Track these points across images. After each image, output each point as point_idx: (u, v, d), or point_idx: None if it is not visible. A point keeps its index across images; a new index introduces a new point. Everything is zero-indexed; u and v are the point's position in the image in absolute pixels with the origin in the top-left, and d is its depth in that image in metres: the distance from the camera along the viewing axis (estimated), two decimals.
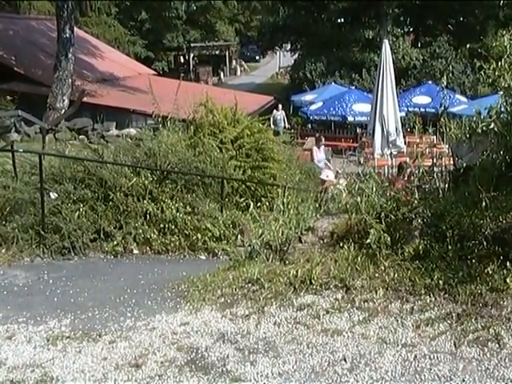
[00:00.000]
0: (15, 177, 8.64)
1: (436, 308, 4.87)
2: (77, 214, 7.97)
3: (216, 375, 4.21)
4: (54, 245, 7.69)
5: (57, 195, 8.25)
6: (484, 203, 5.36)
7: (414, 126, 23.64)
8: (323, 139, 17.90)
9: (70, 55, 19.25)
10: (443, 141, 18.29)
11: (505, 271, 5.02)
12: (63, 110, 19.02)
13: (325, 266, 5.62)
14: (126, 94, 23.23)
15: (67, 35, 19.12)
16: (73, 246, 7.71)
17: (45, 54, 23.22)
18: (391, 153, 17.08)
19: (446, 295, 4.98)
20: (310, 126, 30.17)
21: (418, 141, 21.50)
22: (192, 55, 60.41)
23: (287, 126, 26.05)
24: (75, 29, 20.91)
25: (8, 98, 19.42)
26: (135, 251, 7.98)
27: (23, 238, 7.74)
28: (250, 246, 6.98)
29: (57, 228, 7.79)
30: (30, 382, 4.19)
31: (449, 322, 4.67)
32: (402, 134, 17.42)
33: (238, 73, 66.66)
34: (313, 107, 28.23)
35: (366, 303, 5.06)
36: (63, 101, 19.19)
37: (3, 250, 7.61)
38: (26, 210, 8.07)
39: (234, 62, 68.09)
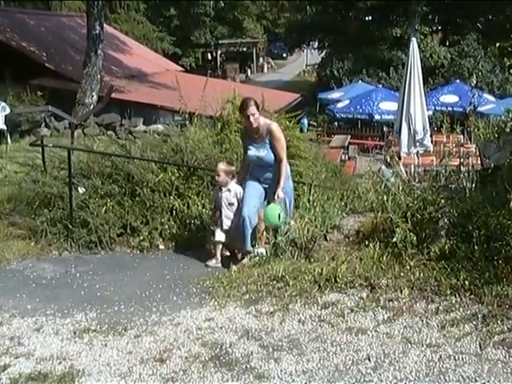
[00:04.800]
0: (45, 171, 8.74)
1: (461, 309, 4.84)
2: (104, 208, 8.04)
3: (240, 371, 4.23)
4: (82, 239, 7.76)
5: (85, 190, 8.32)
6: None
7: (441, 125, 23.46)
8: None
9: (99, 51, 19.39)
10: (471, 140, 18.18)
11: None
12: (92, 106, 19.16)
13: (350, 265, 5.62)
14: (153, 90, 23.35)
15: (97, 32, 19.26)
16: (100, 240, 7.77)
17: (75, 50, 23.44)
18: (418, 152, 16.96)
19: (472, 296, 4.95)
20: (336, 124, 30.09)
21: (445, 140, 21.38)
22: (219, 52, 60.58)
23: None
24: (104, 25, 21.05)
25: (39, 93, 19.65)
26: (161, 246, 8.02)
27: (51, 231, 7.83)
28: (275, 243, 7.00)
29: (84, 222, 7.86)
30: (57, 374, 4.24)
31: (474, 323, 4.64)
32: (429, 133, 17.30)
33: (265, 70, 66.66)
34: (339, 105, 28.18)
35: (390, 302, 5.05)
36: (92, 96, 19.34)
37: (32, 244, 7.71)
38: (55, 204, 8.16)
39: (261, 59, 68.11)
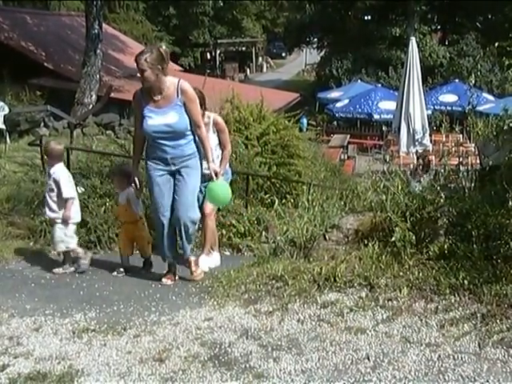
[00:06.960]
0: (43, 171, 8.75)
1: (460, 308, 4.84)
2: (103, 208, 8.05)
3: (239, 371, 4.23)
4: (81, 238, 7.76)
5: (84, 189, 8.32)
6: (510, 203, 5.31)
7: (440, 125, 23.49)
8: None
9: (98, 51, 19.41)
10: (470, 139, 18.18)
11: None
12: (91, 106, 19.19)
13: (349, 264, 5.61)
14: None
15: (96, 31, 19.30)
16: (99, 240, 7.78)
17: (74, 50, 23.47)
18: (417, 151, 16.98)
19: (471, 295, 4.95)
20: (335, 123, 30.14)
21: (444, 139, 21.39)
22: (218, 51, 60.60)
23: None
24: (104, 25, 21.08)
25: (38, 92, 19.67)
26: None
27: (50, 231, 7.84)
28: (274, 242, 7.00)
29: (83, 222, 7.85)
30: (56, 374, 4.23)
31: (473, 322, 4.64)
32: (428, 132, 17.32)
33: (265, 69, 66.64)
34: (339, 105, 28.22)
35: (389, 302, 5.05)
36: (91, 96, 19.36)
37: (31, 243, 7.71)
38: None
39: (260, 58, 68.08)
